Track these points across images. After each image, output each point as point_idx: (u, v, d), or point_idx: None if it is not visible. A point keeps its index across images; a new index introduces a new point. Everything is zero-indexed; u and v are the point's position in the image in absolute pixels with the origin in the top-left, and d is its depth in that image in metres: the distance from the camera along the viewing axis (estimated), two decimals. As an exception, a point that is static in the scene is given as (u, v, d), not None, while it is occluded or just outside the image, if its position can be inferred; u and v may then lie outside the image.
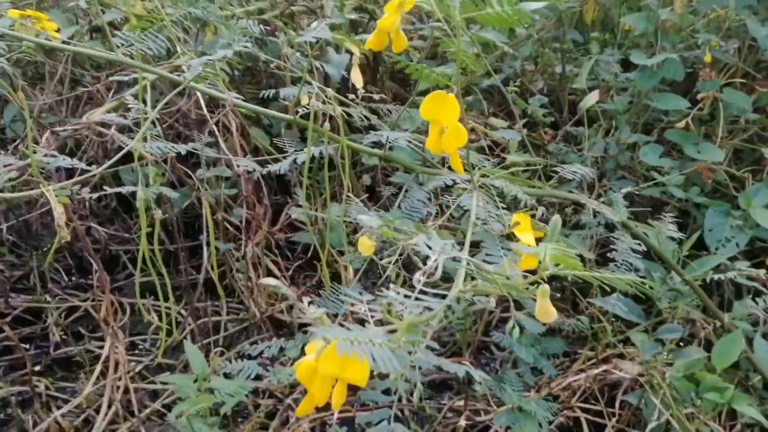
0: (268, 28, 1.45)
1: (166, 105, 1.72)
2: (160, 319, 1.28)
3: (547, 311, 0.54)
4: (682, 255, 1.29)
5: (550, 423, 1.24)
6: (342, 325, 0.43)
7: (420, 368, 0.84)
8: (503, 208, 0.80)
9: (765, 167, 1.69)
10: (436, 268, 0.49)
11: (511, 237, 0.66)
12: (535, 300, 0.58)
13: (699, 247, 1.49)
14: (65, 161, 1.02)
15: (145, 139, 1.11)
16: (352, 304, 0.58)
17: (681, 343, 1.30)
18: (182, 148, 1.17)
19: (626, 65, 1.92)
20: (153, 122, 1.07)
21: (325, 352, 0.46)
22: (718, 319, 1.22)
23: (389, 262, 0.75)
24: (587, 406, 1.33)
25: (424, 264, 0.54)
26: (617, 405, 1.27)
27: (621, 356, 1.36)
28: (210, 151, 1.60)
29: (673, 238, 1.14)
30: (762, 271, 1.12)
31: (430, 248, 0.50)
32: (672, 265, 1.12)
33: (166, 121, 1.87)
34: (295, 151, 1.09)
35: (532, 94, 2.02)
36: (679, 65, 1.62)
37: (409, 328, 0.45)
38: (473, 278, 0.57)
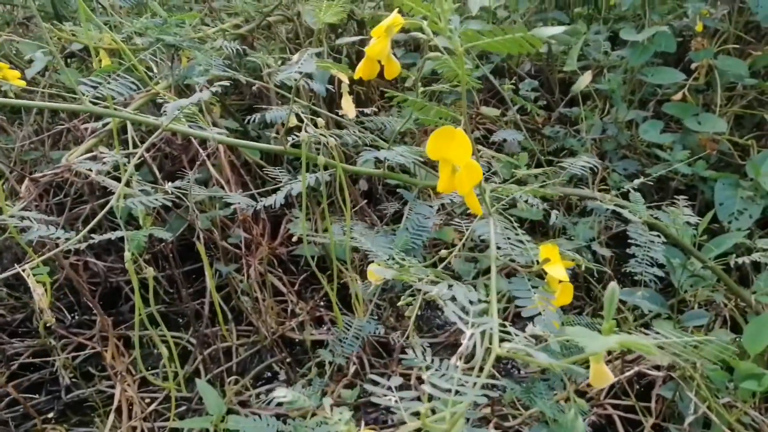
0: (245, 48, 1.39)
1: (149, 131, 1.66)
2: (170, 352, 1.23)
3: (603, 376, 0.49)
4: (698, 236, 1.25)
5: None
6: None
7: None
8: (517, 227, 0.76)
9: (768, 132, 1.65)
10: (474, 348, 0.43)
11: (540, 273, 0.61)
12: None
13: (710, 220, 1.45)
14: (41, 231, 0.91)
15: (128, 183, 1.05)
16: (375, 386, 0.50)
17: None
18: (169, 188, 1.11)
19: (614, 40, 1.87)
20: (135, 166, 1.01)
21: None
22: (744, 301, 1.19)
23: (406, 305, 0.71)
24: (617, 402, 1.29)
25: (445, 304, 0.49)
26: (653, 400, 1.23)
27: (645, 345, 1.33)
28: (198, 172, 1.54)
29: (689, 223, 1.10)
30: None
31: (458, 314, 0.44)
32: (694, 253, 1.09)
33: (153, 144, 1.81)
34: (289, 180, 1.04)
35: (521, 78, 1.97)
36: (671, 37, 1.58)
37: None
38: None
